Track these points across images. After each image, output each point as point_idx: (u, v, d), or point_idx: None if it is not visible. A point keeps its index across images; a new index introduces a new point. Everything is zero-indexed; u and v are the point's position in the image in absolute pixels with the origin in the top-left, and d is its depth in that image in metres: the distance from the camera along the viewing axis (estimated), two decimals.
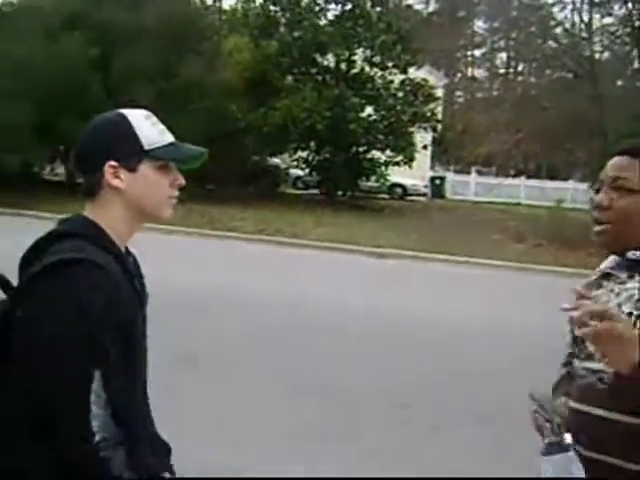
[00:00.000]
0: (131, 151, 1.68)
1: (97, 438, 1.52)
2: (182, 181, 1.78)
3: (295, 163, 26.35)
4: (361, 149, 24.38)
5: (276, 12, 24.29)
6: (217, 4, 30.10)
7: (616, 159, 1.89)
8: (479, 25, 58.10)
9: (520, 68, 53.25)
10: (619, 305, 1.80)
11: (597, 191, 1.89)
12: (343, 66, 24.10)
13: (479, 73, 58.92)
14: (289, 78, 24.49)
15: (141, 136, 1.70)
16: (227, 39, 24.77)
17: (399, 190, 29.28)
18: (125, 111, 1.74)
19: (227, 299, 9.17)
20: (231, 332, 7.69)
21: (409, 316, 8.87)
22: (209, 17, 27.34)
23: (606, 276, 1.92)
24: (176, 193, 1.77)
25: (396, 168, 24.87)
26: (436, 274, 13.53)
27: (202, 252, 14.06)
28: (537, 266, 14.74)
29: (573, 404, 1.81)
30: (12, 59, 19.02)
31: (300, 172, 27.90)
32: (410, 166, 23.97)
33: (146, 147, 1.70)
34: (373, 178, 25.24)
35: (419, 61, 24.89)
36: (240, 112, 22.34)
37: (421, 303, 9.88)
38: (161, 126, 1.77)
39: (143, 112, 1.77)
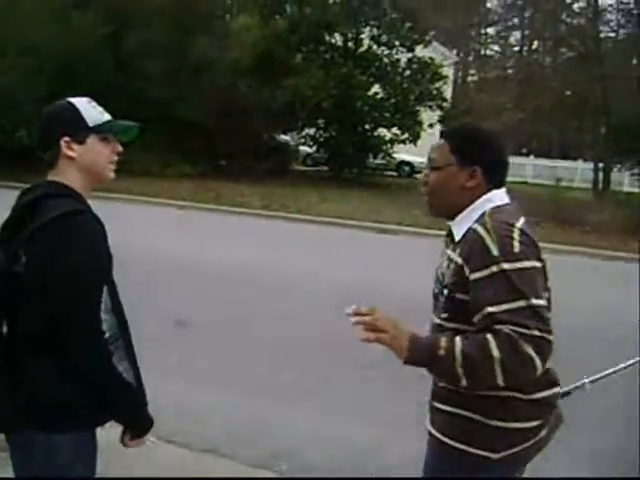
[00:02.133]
0: (79, 128, 2.18)
1: (106, 335, 2.08)
2: (120, 148, 2.28)
3: (303, 140, 26.72)
4: (367, 127, 24.69)
5: None
6: None
7: (436, 142, 2.34)
8: (493, 2, 57.82)
9: (535, 46, 53.11)
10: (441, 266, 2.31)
11: None
12: (350, 44, 24.39)
13: (493, 51, 58.72)
14: (297, 56, 24.82)
15: (86, 116, 2.19)
16: (236, 18, 25.11)
17: (407, 168, 29.59)
18: (71, 99, 2.23)
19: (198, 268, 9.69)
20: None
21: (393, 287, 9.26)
22: None
23: (445, 240, 2.40)
24: (115, 158, 2.27)
25: (406, 147, 25.19)
26: (433, 249, 13.87)
27: (202, 225, 14.60)
28: None
29: None
30: (26, 39, 19.53)
31: (309, 149, 28.28)
32: (415, 144, 24.24)
33: (90, 124, 2.19)
34: (380, 156, 25.62)
35: (427, 39, 25.06)
36: (249, 90, 22.71)
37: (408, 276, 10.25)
38: (100, 108, 2.25)
39: (85, 98, 2.26)
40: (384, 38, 24.29)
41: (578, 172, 33.61)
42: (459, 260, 2.13)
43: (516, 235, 2.06)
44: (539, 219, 16.99)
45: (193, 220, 15.34)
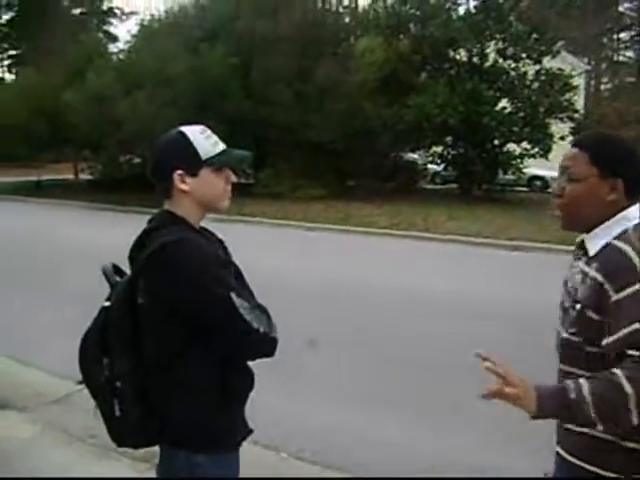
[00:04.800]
0: (192, 161, 2.19)
1: (261, 330, 2.12)
2: (233, 178, 2.29)
3: (430, 159, 26.57)
4: (496, 142, 24.22)
5: (407, 10, 24.63)
6: (352, 5, 30.44)
7: (568, 151, 2.23)
8: (625, 5, 55.53)
9: None
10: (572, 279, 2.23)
11: None
12: (476, 59, 24.05)
13: (627, 57, 56.41)
14: (422, 75, 24.77)
15: (199, 149, 2.20)
16: (360, 40, 25.37)
17: (538, 183, 28.83)
18: (184, 128, 2.24)
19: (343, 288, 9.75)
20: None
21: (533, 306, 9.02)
22: (341, 19, 28.01)
23: (574, 252, 2.32)
24: (229, 187, 2.28)
25: (537, 161, 24.54)
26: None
27: (334, 246, 14.75)
28: None
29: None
30: (161, 72, 20.60)
31: (438, 167, 28.07)
32: (546, 158, 23.51)
33: (203, 157, 2.20)
34: (510, 171, 25.07)
35: (554, 50, 24.37)
36: (374, 111, 22.83)
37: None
38: (214, 138, 2.25)
39: (198, 128, 2.26)
40: (510, 51, 23.76)
41: None
42: (598, 277, 2.04)
43: None
44: None
45: (323, 241, 15.54)
